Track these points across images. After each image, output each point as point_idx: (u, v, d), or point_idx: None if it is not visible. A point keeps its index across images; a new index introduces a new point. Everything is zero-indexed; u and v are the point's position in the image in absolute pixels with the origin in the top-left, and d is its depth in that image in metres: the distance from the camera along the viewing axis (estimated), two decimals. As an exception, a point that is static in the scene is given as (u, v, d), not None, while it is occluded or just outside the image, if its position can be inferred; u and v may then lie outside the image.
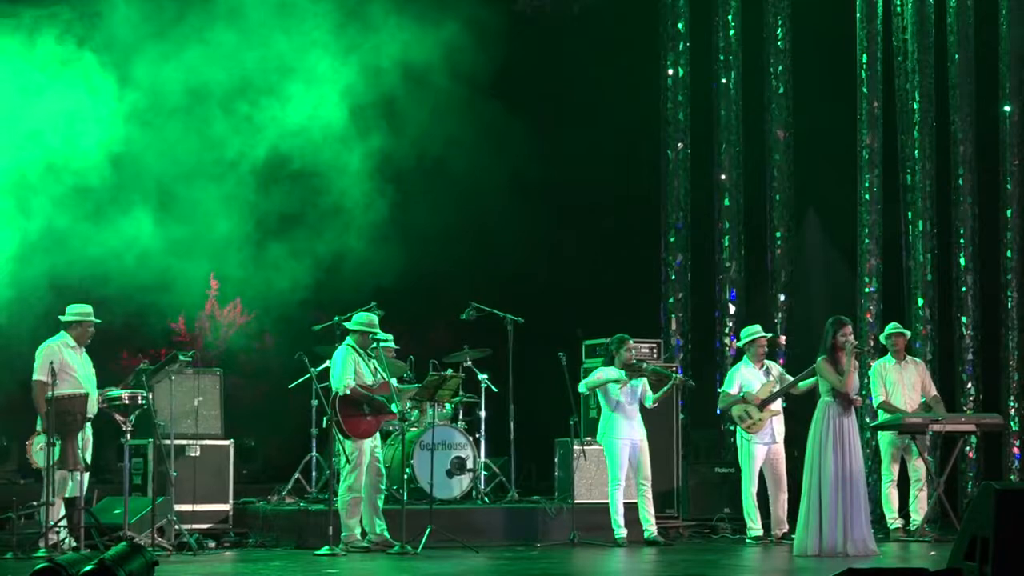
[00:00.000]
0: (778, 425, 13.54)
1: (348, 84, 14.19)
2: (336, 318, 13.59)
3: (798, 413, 13.86)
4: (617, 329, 13.68)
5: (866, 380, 14.40)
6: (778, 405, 13.54)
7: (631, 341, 13.36)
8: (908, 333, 14.45)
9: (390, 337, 13.71)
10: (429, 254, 15.70)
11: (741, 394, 13.50)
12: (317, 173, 14.53)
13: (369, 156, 14.59)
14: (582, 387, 13.39)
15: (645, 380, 13.26)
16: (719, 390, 13.83)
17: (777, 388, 13.45)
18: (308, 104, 14.14)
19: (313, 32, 14.17)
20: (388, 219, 14.87)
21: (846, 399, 11.91)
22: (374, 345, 12.48)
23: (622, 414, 13.13)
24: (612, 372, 13.14)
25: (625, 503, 13.11)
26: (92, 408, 12.02)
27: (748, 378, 13.56)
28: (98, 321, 12.35)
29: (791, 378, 13.46)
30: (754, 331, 13.73)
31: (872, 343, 15.71)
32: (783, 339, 16.48)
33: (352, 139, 14.37)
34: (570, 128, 17.21)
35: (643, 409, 13.29)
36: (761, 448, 13.45)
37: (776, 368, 13.72)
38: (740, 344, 13.86)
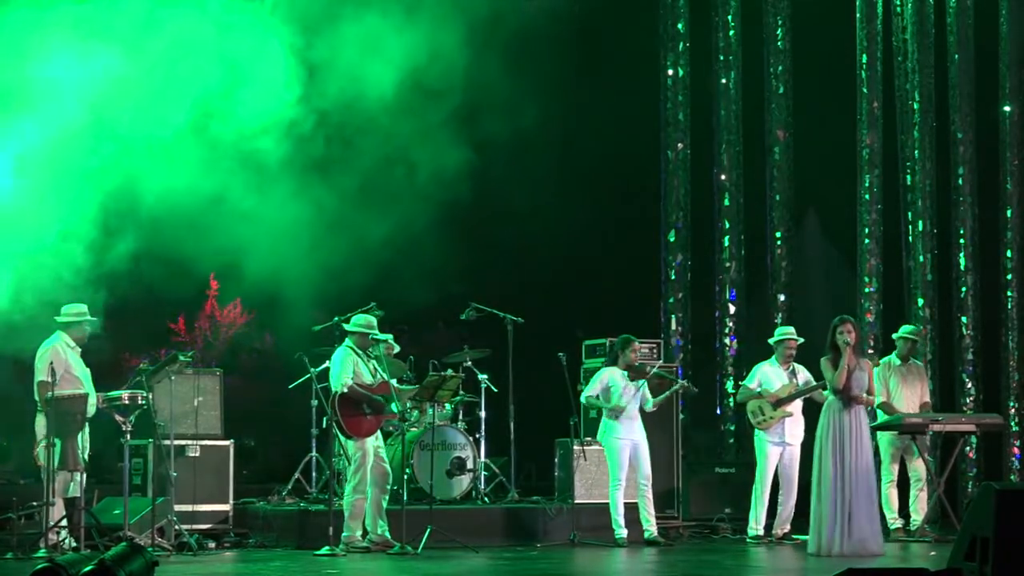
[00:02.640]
0: (794, 428, 13.49)
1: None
2: (336, 318, 13.60)
3: (814, 418, 13.85)
4: (617, 329, 13.67)
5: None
6: (794, 407, 13.49)
7: (636, 343, 13.36)
8: (916, 339, 14.44)
9: (390, 337, 13.71)
10: (427, 254, 15.68)
11: (759, 390, 13.51)
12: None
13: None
14: (583, 399, 13.36)
15: (646, 383, 13.26)
16: (741, 384, 13.90)
17: (796, 391, 13.43)
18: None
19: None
20: (382, 216, 14.82)
21: (846, 398, 11.91)
22: (374, 345, 12.49)
23: (623, 415, 13.12)
24: (606, 379, 13.17)
25: (625, 503, 13.11)
26: (91, 408, 12.01)
27: (770, 376, 13.56)
28: (95, 320, 12.32)
29: (816, 384, 13.35)
30: (786, 332, 13.73)
31: (872, 343, 15.71)
32: (783, 339, 16.47)
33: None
34: (570, 128, 17.20)
35: (642, 411, 13.28)
36: (775, 448, 13.44)
37: (803, 372, 13.58)
38: (771, 342, 13.84)
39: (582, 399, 13.46)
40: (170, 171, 12.78)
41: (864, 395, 12.00)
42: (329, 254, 14.12)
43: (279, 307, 15.46)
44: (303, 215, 13.82)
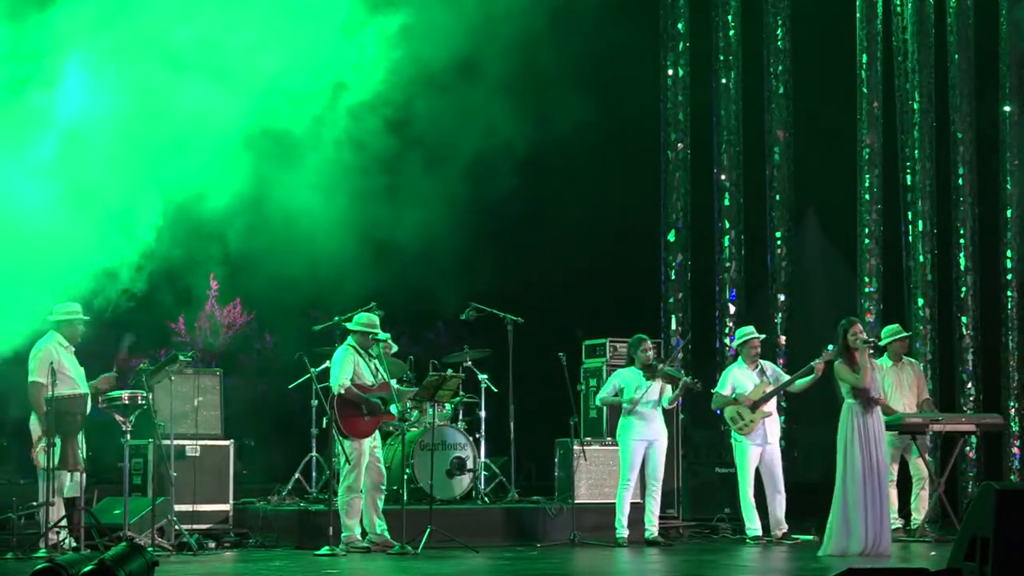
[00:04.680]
0: (772, 426, 13.53)
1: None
2: (336, 318, 13.59)
3: (799, 414, 13.88)
4: (617, 329, 13.66)
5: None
6: (771, 406, 13.53)
7: (648, 342, 13.36)
8: (909, 334, 14.45)
9: (388, 336, 13.69)
10: (426, 253, 15.66)
11: (734, 395, 13.50)
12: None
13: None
14: (597, 400, 13.38)
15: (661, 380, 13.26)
16: (712, 391, 13.83)
17: (770, 389, 13.45)
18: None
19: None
20: (379, 214, 14.78)
21: (866, 398, 11.93)
22: (375, 344, 12.49)
23: (637, 415, 13.13)
24: (616, 380, 13.19)
25: (631, 503, 13.12)
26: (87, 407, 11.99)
27: (741, 379, 13.56)
28: (87, 318, 12.27)
29: (786, 377, 13.46)
30: (747, 332, 13.73)
31: (873, 343, 15.71)
32: (783, 339, 16.49)
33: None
34: (569, 128, 17.17)
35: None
36: (755, 449, 13.44)
37: (771, 368, 13.70)
38: (735, 345, 13.87)
39: (596, 400, 13.54)
40: (179, 170, 12.73)
41: (879, 396, 12.08)
42: (333, 253, 14.13)
43: (279, 307, 15.45)
44: (309, 213, 13.83)
